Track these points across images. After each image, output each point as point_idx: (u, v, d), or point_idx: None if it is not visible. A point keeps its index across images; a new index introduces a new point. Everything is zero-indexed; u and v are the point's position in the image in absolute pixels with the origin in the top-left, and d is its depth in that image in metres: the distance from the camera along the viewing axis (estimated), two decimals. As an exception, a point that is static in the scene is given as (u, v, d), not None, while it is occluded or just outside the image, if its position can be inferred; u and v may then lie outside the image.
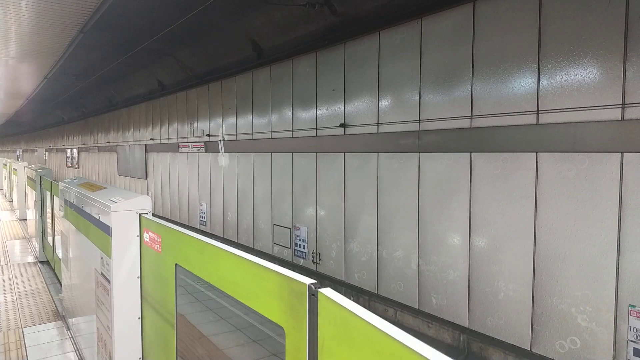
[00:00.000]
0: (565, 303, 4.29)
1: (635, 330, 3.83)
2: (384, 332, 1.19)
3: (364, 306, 1.35)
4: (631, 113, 3.84)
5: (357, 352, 1.31)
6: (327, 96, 7.10)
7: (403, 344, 1.13)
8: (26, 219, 13.36)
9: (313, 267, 7.50)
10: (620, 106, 3.90)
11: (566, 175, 4.27)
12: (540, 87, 4.44)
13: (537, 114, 4.46)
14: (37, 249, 9.38)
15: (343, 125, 6.76)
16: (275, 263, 1.81)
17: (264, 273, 1.80)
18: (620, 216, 3.93)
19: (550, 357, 4.40)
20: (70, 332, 5.42)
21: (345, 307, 1.35)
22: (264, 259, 1.89)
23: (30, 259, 9.37)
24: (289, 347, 1.64)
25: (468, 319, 5.15)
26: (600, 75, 4.03)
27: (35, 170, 9.58)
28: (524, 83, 4.58)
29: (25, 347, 5.06)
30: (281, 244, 8.33)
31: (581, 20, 4.15)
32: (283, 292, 1.66)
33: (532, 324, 4.54)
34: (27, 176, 12.27)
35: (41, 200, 8.88)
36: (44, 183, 8.67)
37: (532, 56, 4.49)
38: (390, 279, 6.12)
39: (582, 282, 4.17)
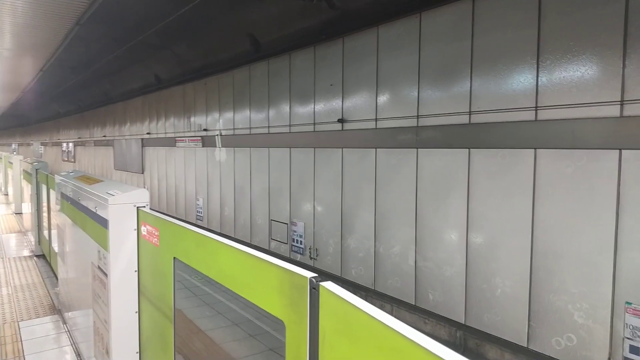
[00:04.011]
0: (561, 300, 4.31)
1: (631, 327, 3.85)
2: (386, 325, 1.18)
3: (363, 301, 1.34)
4: (630, 110, 3.85)
5: (359, 346, 1.30)
6: (325, 91, 7.07)
7: (406, 337, 1.13)
8: (22, 213, 13.30)
9: (310, 262, 7.50)
10: (619, 103, 3.90)
11: (564, 172, 4.28)
12: (539, 83, 4.43)
13: (536, 110, 4.46)
14: (33, 243, 9.33)
15: (341, 121, 6.73)
16: (273, 258, 1.80)
17: (264, 266, 1.79)
18: (617, 213, 3.94)
19: (546, 353, 4.42)
20: (66, 326, 5.40)
21: (347, 301, 1.34)
22: (263, 253, 1.88)
23: (26, 252, 9.32)
24: (290, 341, 1.63)
25: (465, 315, 5.16)
26: (599, 72, 4.03)
27: (31, 164, 9.52)
28: (522, 79, 4.57)
29: (22, 341, 5.04)
30: (278, 239, 8.31)
31: (580, 16, 4.14)
32: (284, 286, 1.65)
33: (529, 321, 4.56)
34: (23, 169, 12.19)
35: (37, 194, 8.83)
36: (40, 176, 8.62)
37: (531, 52, 4.48)
38: (387, 275, 6.12)
39: (579, 279, 4.18)
